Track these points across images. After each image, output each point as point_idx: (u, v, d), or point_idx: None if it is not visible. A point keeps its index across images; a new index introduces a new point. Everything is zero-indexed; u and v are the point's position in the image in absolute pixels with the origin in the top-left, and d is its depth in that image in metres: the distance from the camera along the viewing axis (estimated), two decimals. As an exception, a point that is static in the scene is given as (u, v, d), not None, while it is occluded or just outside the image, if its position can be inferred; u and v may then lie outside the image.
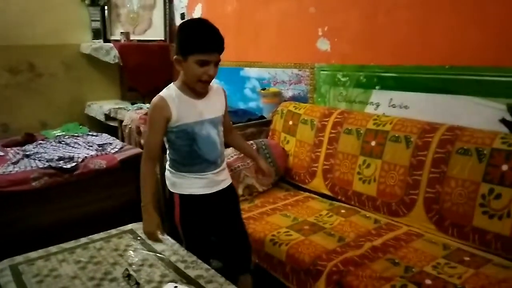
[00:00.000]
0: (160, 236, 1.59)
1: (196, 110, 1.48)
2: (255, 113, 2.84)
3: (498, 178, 1.58)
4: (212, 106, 1.53)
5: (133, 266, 1.55)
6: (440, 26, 1.93)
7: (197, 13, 3.54)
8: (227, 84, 3.30)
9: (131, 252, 1.68)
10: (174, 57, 1.45)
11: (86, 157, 2.60)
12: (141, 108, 3.24)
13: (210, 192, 1.58)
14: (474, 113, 1.82)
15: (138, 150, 2.86)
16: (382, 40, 2.17)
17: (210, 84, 1.51)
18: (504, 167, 1.57)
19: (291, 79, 2.71)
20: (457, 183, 1.69)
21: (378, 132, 2.01)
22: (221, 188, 1.61)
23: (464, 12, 1.84)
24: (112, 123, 3.45)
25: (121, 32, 3.65)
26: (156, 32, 3.81)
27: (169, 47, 3.80)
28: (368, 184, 2.00)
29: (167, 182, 1.66)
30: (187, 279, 1.46)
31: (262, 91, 2.79)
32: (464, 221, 1.66)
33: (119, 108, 3.35)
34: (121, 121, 3.28)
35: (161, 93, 1.50)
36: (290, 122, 2.47)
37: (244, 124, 2.60)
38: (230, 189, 1.66)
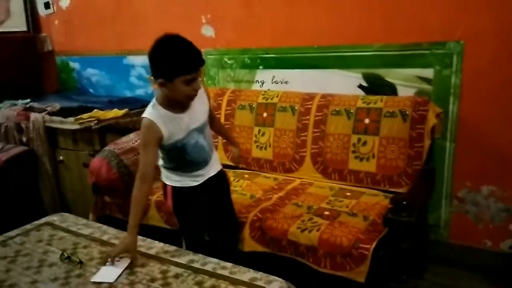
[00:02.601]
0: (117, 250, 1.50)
1: (183, 125, 1.54)
2: (146, 100, 2.92)
3: (363, 129, 2.07)
4: (196, 115, 1.58)
5: (68, 251, 1.60)
6: (305, 13, 2.35)
7: (64, 1, 3.39)
8: (108, 74, 3.30)
9: (57, 240, 1.70)
10: (158, 81, 1.45)
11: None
12: (15, 105, 3.01)
13: (201, 182, 1.67)
14: (339, 82, 2.30)
15: (21, 148, 2.72)
16: (260, 25, 2.51)
17: None
18: (367, 121, 2.07)
19: (178, 64, 2.88)
20: (334, 137, 2.15)
21: (268, 104, 2.36)
22: (211, 175, 1.70)
23: (322, 1, 2.29)
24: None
25: (-25, 24, 3.28)
26: (16, 23, 3.51)
27: (35, 39, 3.55)
28: (265, 150, 2.34)
29: (161, 173, 1.70)
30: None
31: (151, 77, 2.89)
32: (342, 166, 2.12)
33: (-13, 107, 3.05)
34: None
35: (149, 116, 1.50)
36: (185, 104, 2.66)
37: (140, 110, 2.68)
38: (220, 174, 1.76)
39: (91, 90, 3.45)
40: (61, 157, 2.68)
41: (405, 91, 2.13)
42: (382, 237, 1.57)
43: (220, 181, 1.76)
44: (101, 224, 1.84)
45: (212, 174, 1.71)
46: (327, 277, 1.63)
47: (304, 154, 2.24)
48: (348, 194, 2.02)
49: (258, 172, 2.35)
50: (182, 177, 1.66)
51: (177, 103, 1.52)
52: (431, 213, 2.17)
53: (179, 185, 1.67)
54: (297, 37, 2.41)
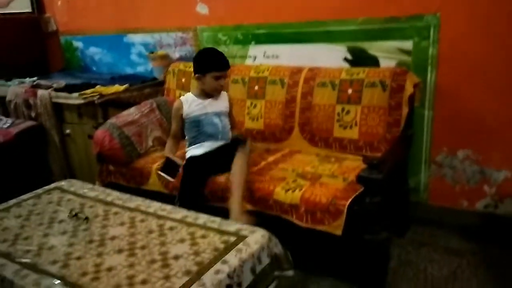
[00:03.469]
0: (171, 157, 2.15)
1: (202, 106, 2.18)
2: (146, 76, 3.08)
3: (346, 99, 2.21)
4: (216, 104, 2.21)
5: (75, 210, 1.78)
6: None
7: (65, -17, 3.51)
8: (110, 52, 3.44)
9: (66, 202, 1.89)
10: (196, 75, 2.16)
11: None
12: (23, 83, 3.18)
13: (208, 150, 2.14)
14: (326, 56, 2.43)
15: (30, 123, 2.90)
16: (252, 2, 2.63)
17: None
18: (349, 91, 2.20)
19: (176, 41, 3.02)
20: (320, 108, 2.29)
21: (259, 78, 2.50)
22: (218, 145, 2.16)
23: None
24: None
25: (-19, 6, 3.42)
26: (21, 4, 3.65)
27: (39, 19, 3.69)
28: (256, 121, 2.50)
29: None
30: (127, 209, 1.77)
31: (150, 54, 3.04)
32: (328, 134, 2.28)
33: (-4, 85, 3.22)
34: (1, 98, 3.18)
35: (180, 98, 2.27)
36: (183, 80, 2.81)
37: (140, 86, 2.85)
38: (230, 143, 2.19)
39: (94, 68, 3.61)
40: (67, 130, 2.86)
41: (387, 63, 2.26)
42: (357, 195, 1.73)
43: (229, 145, 2.15)
44: (104, 188, 2.03)
45: (219, 145, 2.17)
46: (309, 232, 1.80)
47: (292, 124, 2.39)
48: (332, 159, 2.18)
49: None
50: (193, 150, 2.18)
51: (205, 94, 2.19)
52: (412, 177, 2.33)
53: (188, 156, 2.17)
54: (286, 12, 2.53)
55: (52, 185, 2.10)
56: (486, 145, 2.14)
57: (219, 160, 2.08)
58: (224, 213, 1.81)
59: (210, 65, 2.10)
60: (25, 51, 3.60)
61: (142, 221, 1.66)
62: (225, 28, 2.77)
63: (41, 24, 3.69)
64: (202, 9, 2.83)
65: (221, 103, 2.25)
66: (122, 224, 1.65)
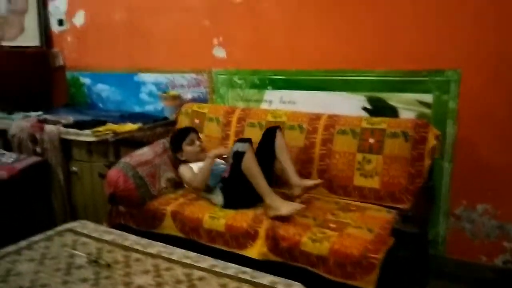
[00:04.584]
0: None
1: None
2: (157, 116, 3.05)
3: (368, 148, 2.22)
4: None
5: (93, 255, 1.68)
6: (312, 38, 2.52)
7: (78, 20, 3.54)
8: (119, 90, 3.42)
9: (81, 245, 1.79)
10: (176, 155, 2.49)
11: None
12: (28, 117, 3.10)
13: None
14: (344, 104, 2.46)
15: (35, 158, 2.80)
16: (269, 48, 2.68)
17: None
18: (371, 140, 2.22)
19: (189, 83, 3.03)
20: (340, 155, 2.29)
21: (277, 123, 2.50)
22: None
23: (329, 25, 2.47)
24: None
25: (-10, 38, 3.40)
26: (29, 38, 3.64)
27: (47, 54, 3.67)
28: (272, 166, 2.47)
29: None
30: (149, 255, 1.68)
31: (163, 94, 3.03)
32: (348, 183, 2.26)
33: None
34: (3, 131, 3.09)
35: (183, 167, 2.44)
36: (196, 121, 2.79)
37: (152, 125, 2.81)
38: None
39: (100, 105, 3.56)
40: (74, 168, 2.77)
41: (406, 114, 2.30)
42: (389, 248, 1.70)
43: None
44: (121, 231, 1.94)
45: None
46: (336, 285, 1.74)
47: (311, 170, 2.37)
48: (353, 208, 2.15)
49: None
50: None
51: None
52: (430, 229, 2.31)
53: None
54: (304, 60, 2.58)
55: (64, 227, 1.99)
56: (505, 200, 2.15)
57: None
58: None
59: (179, 137, 2.48)
60: (30, 85, 3.55)
61: (167, 269, 1.58)
62: (242, 72, 2.80)
63: (49, 59, 3.67)
64: (219, 52, 2.86)
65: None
66: (146, 272, 1.56)
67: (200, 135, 2.76)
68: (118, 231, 1.94)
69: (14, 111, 3.35)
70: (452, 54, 2.16)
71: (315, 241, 1.80)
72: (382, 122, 2.23)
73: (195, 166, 2.37)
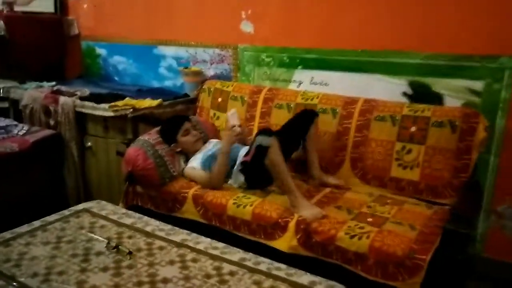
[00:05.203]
0: None
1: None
2: (177, 92, 2.88)
3: (408, 137, 2.04)
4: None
5: (113, 240, 1.55)
6: (354, 15, 2.32)
7: (95, -14, 3.34)
8: (136, 63, 3.25)
9: (99, 229, 1.66)
10: (172, 147, 2.25)
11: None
12: (41, 87, 2.95)
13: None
14: (382, 88, 2.27)
15: (49, 131, 2.67)
16: (302, 25, 2.48)
17: None
18: (413, 129, 2.04)
19: (212, 58, 2.84)
20: (376, 143, 2.12)
21: (307, 105, 2.32)
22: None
23: (374, 3, 2.25)
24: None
25: (3, 1, 3.21)
26: (43, 4, 3.45)
27: (62, 21, 3.49)
28: (301, 151, 2.31)
29: None
30: (173, 243, 1.54)
31: (184, 69, 2.85)
32: (384, 173, 2.10)
33: (11, 87, 2.98)
34: (14, 101, 2.94)
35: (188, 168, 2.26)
36: (219, 99, 2.62)
37: (173, 102, 2.64)
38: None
39: (116, 78, 3.40)
40: (89, 143, 2.62)
41: (452, 102, 2.10)
42: (436, 249, 1.54)
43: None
44: (141, 215, 1.80)
45: None
46: (374, 285, 1.59)
47: (343, 158, 2.20)
48: (389, 201, 1.99)
49: (293, 174, 2.31)
50: None
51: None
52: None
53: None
54: (340, 38, 2.38)
55: (80, 206, 1.86)
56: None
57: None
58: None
59: (173, 128, 2.26)
60: (43, 54, 3.38)
61: (194, 260, 1.44)
62: (270, 49, 2.61)
63: (63, 27, 3.49)
64: (247, 27, 2.66)
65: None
66: (171, 263, 1.42)
67: (221, 115, 2.60)
68: (138, 214, 1.80)
69: (26, 80, 3.20)
70: (509, 38, 1.95)
71: (353, 236, 1.65)
72: (426, 110, 2.04)
73: (195, 162, 2.19)
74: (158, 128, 2.34)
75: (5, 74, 3.48)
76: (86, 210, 1.81)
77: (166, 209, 2.14)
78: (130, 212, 1.84)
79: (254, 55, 2.67)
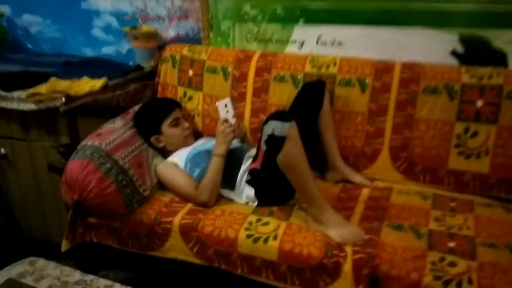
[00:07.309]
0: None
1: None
2: (125, 63, 2.06)
3: (473, 115, 1.50)
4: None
5: None
6: None
7: None
8: (58, 23, 2.36)
9: None
10: (152, 140, 1.61)
11: None
12: None
13: None
14: (421, 46, 1.67)
15: None
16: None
17: None
18: (479, 103, 1.49)
19: (171, 13, 2.04)
20: (428, 125, 1.55)
21: (322, 76, 1.67)
22: None
23: None
24: None
25: None
26: None
27: None
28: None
29: None
30: None
31: (131, 30, 2.03)
32: (438, 165, 1.55)
33: None
34: None
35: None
36: (190, 72, 1.87)
37: (123, 80, 1.84)
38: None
39: (29, 46, 2.46)
40: (2, 149, 1.77)
41: (521, 62, 1.57)
42: None
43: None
44: (93, 276, 1.09)
45: None
46: None
47: (379, 146, 1.62)
48: (453, 204, 1.46)
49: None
50: None
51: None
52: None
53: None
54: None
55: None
56: None
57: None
58: None
59: (157, 115, 1.64)
60: None
61: None
62: (257, -3, 1.87)
63: None
64: (221, -35, 1.89)
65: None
66: None
67: (195, 93, 1.87)
68: (89, 276, 1.09)
69: None
70: None
71: (449, 282, 1.10)
72: (495, 75, 1.49)
73: (178, 157, 1.58)
74: (114, 124, 1.58)
75: None
76: (8, 282, 1.06)
77: (138, 247, 1.44)
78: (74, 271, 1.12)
79: (233, 6, 1.91)
